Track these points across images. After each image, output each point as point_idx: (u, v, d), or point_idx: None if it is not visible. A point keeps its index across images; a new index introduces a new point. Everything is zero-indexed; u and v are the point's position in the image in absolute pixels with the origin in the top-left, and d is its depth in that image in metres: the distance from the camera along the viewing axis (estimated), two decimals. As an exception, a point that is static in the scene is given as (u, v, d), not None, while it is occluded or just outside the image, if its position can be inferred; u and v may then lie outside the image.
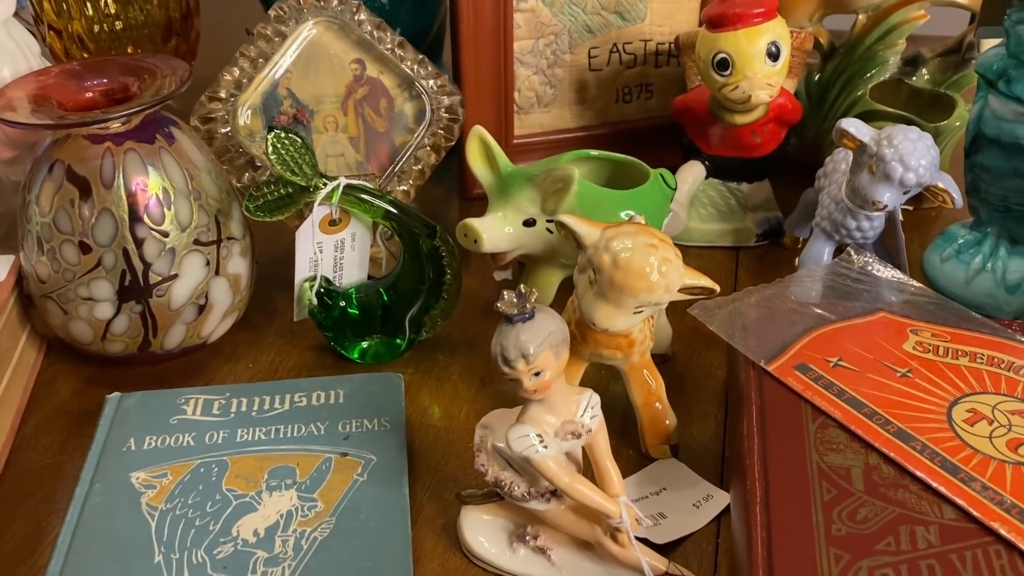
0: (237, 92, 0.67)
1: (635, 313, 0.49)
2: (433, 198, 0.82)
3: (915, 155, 0.60)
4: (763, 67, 0.66)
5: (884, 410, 0.50)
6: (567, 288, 0.60)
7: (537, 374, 0.43)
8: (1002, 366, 0.53)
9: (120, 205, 0.57)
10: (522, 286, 0.44)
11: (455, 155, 0.79)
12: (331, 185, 0.59)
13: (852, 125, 0.61)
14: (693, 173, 0.74)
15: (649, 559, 0.47)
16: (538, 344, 0.43)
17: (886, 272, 0.62)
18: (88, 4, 0.80)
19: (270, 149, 0.57)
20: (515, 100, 0.80)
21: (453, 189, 0.85)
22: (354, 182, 0.60)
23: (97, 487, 0.52)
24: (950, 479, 0.46)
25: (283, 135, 0.57)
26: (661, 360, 0.62)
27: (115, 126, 0.57)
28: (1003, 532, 0.43)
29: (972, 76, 0.79)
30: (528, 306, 0.43)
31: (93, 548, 0.48)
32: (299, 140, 0.58)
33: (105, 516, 0.50)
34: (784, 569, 0.42)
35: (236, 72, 0.67)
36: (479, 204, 0.67)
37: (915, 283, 0.62)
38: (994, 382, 0.52)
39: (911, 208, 0.67)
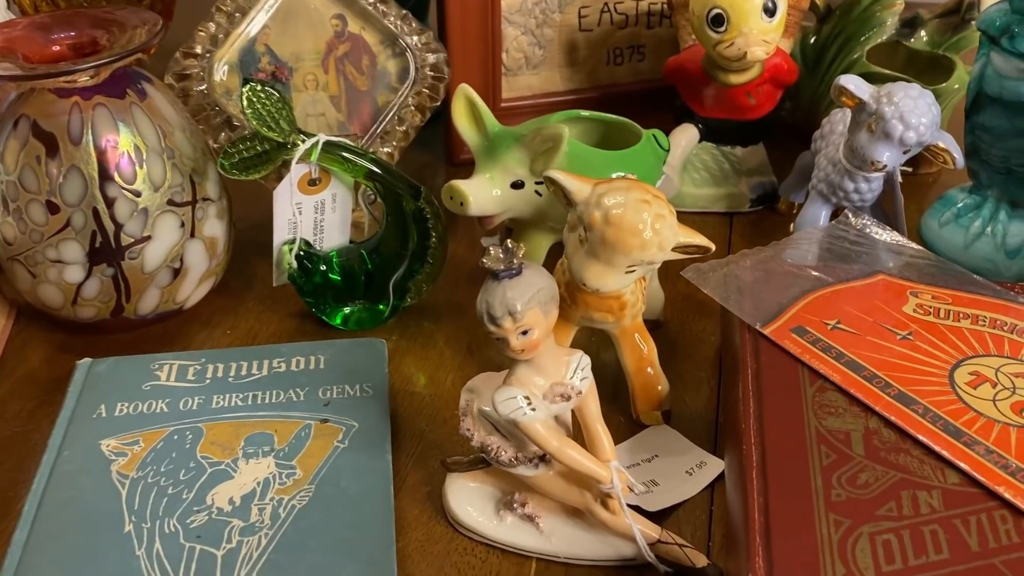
0: (213, 48, 0.64)
1: (627, 272, 0.47)
2: (418, 164, 0.80)
3: (916, 113, 0.58)
4: (759, 23, 0.64)
5: (884, 373, 0.49)
6: (557, 254, 0.58)
7: (524, 333, 0.41)
8: (1005, 328, 0.52)
9: (89, 163, 0.55)
10: (509, 241, 0.42)
11: (440, 119, 0.77)
12: (310, 142, 0.57)
13: (851, 82, 0.59)
14: (686, 136, 0.72)
15: (641, 527, 0.45)
16: (525, 301, 0.41)
17: (885, 235, 0.61)
18: (58, -40, 0.78)
19: (245, 103, 0.54)
20: (503, 61, 0.78)
21: (439, 155, 0.82)
22: (334, 139, 0.57)
23: (65, 455, 0.50)
24: (953, 443, 0.44)
25: (259, 88, 0.55)
26: (653, 326, 0.60)
27: (83, 79, 0.54)
28: (1008, 496, 0.42)
29: (972, 37, 0.77)
30: (515, 262, 0.41)
31: (60, 518, 0.46)
32: (276, 94, 0.55)
33: (73, 485, 0.48)
34: (782, 535, 0.41)
35: (212, 27, 0.64)
36: (466, 170, 0.64)
37: (914, 245, 0.60)
38: (997, 345, 0.51)
39: (910, 170, 0.65)
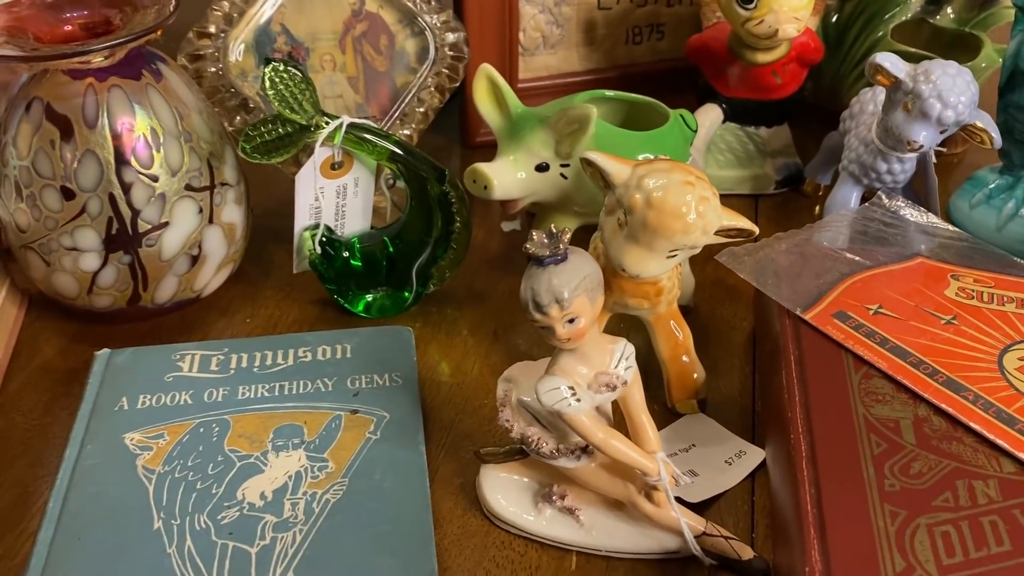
0: (228, 28, 0.62)
1: (668, 257, 0.46)
2: (434, 146, 0.78)
3: (954, 91, 0.57)
4: (790, -1, 0.62)
5: (931, 359, 0.47)
6: (581, 239, 0.57)
7: (571, 321, 0.40)
8: (1051, 312, 0.51)
9: (105, 147, 0.53)
10: (552, 225, 0.40)
11: (456, 100, 0.75)
12: (334, 124, 0.55)
13: (887, 60, 0.58)
14: (710, 117, 0.70)
15: (687, 519, 0.44)
16: (573, 288, 0.39)
17: (920, 216, 0.59)
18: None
19: (267, 84, 0.53)
20: (520, 41, 0.76)
21: (454, 137, 0.81)
22: (358, 121, 0.56)
23: (88, 449, 0.48)
24: (1007, 430, 0.43)
25: (281, 68, 0.53)
26: (683, 312, 0.59)
27: (97, 60, 0.52)
28: (1066, 485, 0.41)
29: (1000, 14, 0.75)
30: (561, 247, 0.40)
31: (86, 514, 0.45)
32: (299, 74, 0.53)
33: (98, 480, 0.47)
34: (837, 527, 0.39)
35: (226, 6, 0.62)
36: (482, 152, 0.63)
37: (950, 227, 0.59)
38: (1045, 329, 0.50)
39: (944, 151, 0.64)
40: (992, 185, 0.63)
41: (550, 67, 0.78)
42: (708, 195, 0.45)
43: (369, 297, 0.61)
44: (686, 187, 0.44)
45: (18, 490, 0.49)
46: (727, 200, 0.71)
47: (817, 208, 0.71)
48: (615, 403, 0.45)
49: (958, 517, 0.40)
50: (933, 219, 0.59)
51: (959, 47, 0.76)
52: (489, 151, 0.60)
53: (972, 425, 0.44)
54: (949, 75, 0.57)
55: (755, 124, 0.72)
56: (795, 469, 0.43)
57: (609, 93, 0.65)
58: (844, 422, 0.45)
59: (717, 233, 0.46)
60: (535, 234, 0.40)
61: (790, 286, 0.53)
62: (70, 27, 0.55)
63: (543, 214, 0.63)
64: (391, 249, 0.60)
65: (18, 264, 0.59)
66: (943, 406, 0.45)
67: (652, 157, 0.56)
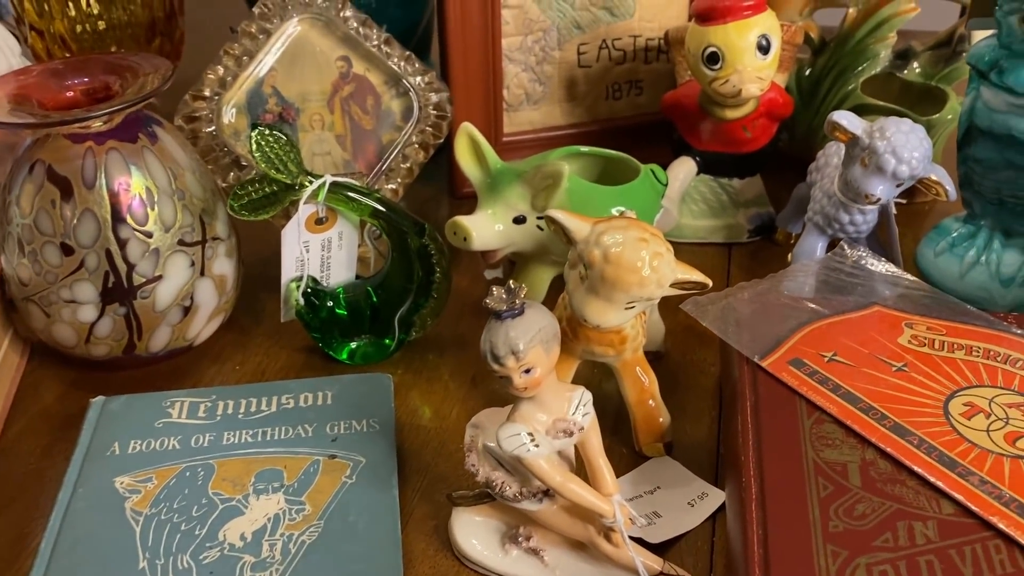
0: (221, 91, 0.66)
1: (627, 309, 0.49)
2: (422, 197, 0.81)
3: (908, 147, 0.59)
4: (753, 60, 0.65)
5: (880, 405, 0.50)
6: (559, 286, 0.60)
7: (527, 371, 0.43)
8: (999, 359, 0.53)
9: (102, 205, 0.56)
10: (511, 281, 0.43)
11: (444, 154, 0.78)
12: (317, 183, 0.58)
13: (844, 117, 0.61)
14: (684, 169, 0.73)
15: (644, 559, 0.46)
16: (528, 340, 0.42)
17: (880, 266, 0.62)
18: (70, 4, 0.79)
19: (254, 147, 0.56)
20: (504, 98, 0.79)
21: (442, 188, 0.84)
22: (340, 179, 0.59)
23: (80, 492, 0.51)
24: (948, 474, 0.45)
25: (267, 132, 0.56)
26: (654, 357, 0.61)
27: (96, 125, 0.56)
28: (1002, 526, 0.43)
29: (964, 69, 0.78)
30: (517, 302, 0.43)
31: (76, 555, 0.47)
32: (284, 137, 0.57)
33: (88, 522, 0.49)
34: (781, 567, 0.42)
35: (220, 70, 0.66)
36: (469, 203, 0.66)
37: (909, 277, 0.61)
38: (991, 375, 0.52)
39: (904, 202, 0.67)
40: (955, 234, 0.66)
41: (534, 122, 0.82)
42: (662, 251, 0.48)
43: (353, 345, 0.63)
44: (641, 243, 0.47)
45: (14, 532, 0.52)
46: (701, 248, 0.76)
47: (789, 256, 0.73)
48: (576, 448, 0.47)
49: (897, 557, 0.42)
50: (893, 269, 0.62)
51: (926, 100, 0.79)
52: (475, 202, 0.63)
53: (915, 468, 0.46)
54: (903, 132, 0.60)
55: (728, 176, 0.75)
56: (745, 511, 0.45)
57: (584, 149, 0.68)
58: (794, 465, 0.47)
59: (673, 286, 0.49)
60: (494, 289, 0.43)
61: (750, 334, 0.55)
62: (72, 93, 0.59)
63: (522, 263, 0.65)
64: (374, 298, 0.63)
65: (19, 315, 0.62)
66: (888, 450, 0.47)
67: (623, 210, 0.59)
